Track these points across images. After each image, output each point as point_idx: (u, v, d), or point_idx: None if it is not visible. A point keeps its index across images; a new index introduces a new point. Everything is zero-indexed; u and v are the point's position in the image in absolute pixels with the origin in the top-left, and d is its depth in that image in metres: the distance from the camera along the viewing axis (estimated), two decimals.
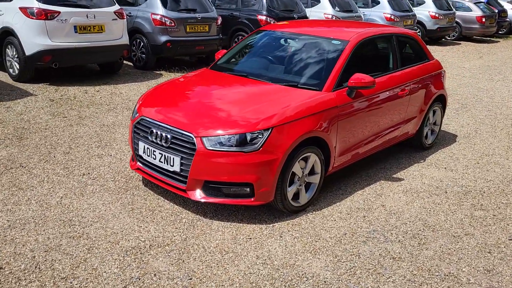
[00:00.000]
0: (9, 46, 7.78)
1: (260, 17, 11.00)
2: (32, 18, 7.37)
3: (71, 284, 2.90)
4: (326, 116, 4.02)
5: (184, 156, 3.68)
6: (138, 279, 2.99)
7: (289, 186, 3.90)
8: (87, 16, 7.77)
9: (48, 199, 3.97)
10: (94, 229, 3.56)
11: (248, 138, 3.63)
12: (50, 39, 7.46)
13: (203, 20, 9.71)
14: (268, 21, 10.88)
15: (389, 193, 4.59)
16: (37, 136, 5.42)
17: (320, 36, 4.72)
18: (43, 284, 2.90)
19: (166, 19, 9.22)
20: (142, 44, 9.44)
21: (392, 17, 14.81)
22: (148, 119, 4.01)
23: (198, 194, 3.71)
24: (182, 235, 3.57)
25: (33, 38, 7.41)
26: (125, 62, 9.95)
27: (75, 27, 7.67)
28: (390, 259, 3.46)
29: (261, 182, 3.65)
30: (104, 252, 3.26)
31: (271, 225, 3.83)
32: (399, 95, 4.94)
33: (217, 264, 3.23)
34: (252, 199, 3.70)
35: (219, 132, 3.63)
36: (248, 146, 3.59)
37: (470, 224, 4.07)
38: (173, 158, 3.74)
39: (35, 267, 3.04)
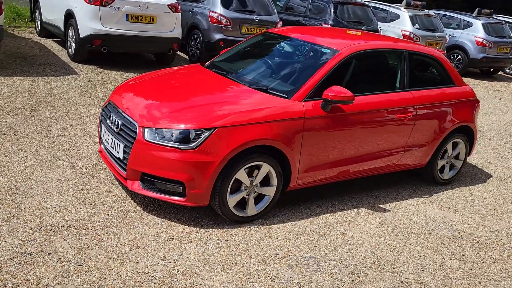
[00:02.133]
0: (70, 28, 8.38)
1: (324, 25, 10.68)
2: (89, 3, 7.87)
3: None
4: (286, 126, 3.73)
5: (127, 144, 3.65)
6: (28, 255, 3.01)
7: (232, 194, 3.68)
8: (139, 6, 8.10)
9: (13, 167, 4.17)
10: (30, 201, 3.66)
11: (192, 135, 3.49)
12: (102, 24, 7.91)
13: (260, 23, 9.66)
14: None
15: (360, 222, 4.15)
16: (50, 109, 5.76)
17: (314, 44, 4.41)
18: None
19: (222, 18, 9.32)
20: (198, 40, 9.65)
21: (484, 41, 13.53)
22: (112, 104, 4.05)
23: (135, 185, 3.65)
24: (107, 222, 3.54)
25: (87, 22, 7.91)
26: (183, 55, 10.27)
27: (127, 15, 8.05)
28: None
29: (194, 183, 3.48)
30: (20, 224, 3.34)
31: (204, 230, 3.65)
32: (398, 118, 4.45)
33: (118, 257, 3.14)
34: (184, 199, 3.55)
35: (163, 125, 3.54)
36: (185, 144, 3.46)
37: (431, 273, 3.53)
38: (119, 145, 3.73)
39: None
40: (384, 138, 4.43)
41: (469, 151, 5.35)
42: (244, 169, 3.66)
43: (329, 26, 10.62)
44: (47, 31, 9.95)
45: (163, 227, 3.59)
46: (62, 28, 8.73)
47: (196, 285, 2.98)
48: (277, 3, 12.48)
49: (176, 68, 4.83)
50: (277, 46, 4.75)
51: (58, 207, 3.64)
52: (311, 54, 4.30)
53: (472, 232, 4.28)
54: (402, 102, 4.47)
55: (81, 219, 3.52)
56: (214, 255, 3.34)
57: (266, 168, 3.76)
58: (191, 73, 4.55)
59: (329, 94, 3.85)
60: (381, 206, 4.55)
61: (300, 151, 3.88)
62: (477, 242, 4.11)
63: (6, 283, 2.72)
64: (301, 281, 3.20)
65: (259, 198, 3.89)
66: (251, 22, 9.58)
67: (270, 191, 3.88)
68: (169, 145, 3.47)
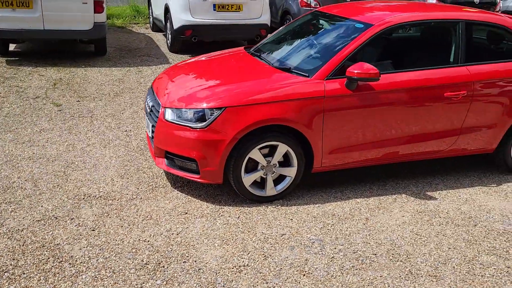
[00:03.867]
0: (168, 21, 9.08)
1: (429, 1, 9.84)
2: None
3: (6, 207, 3.56)
4: (302, 105, 3.64)
5: (153, 124, 3.93)
6: (55, 218, 3.45)
7: (248, 173, 3.73)
8: None
9: (78, 144, 4.76)
10: (78, 174, 4.16)
11: (208, 115, 3.62)
12: (191, 15, 8.43)
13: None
14: None
15: (393, 209, 3.87)
16: (130, 95, 6.37)
17: (351, 19, 4.18)
18: None
19: (312, 1, 9.20)
20: None
21: None
22: (151, 87, 4.37)
23: (161, 162, 3.91)
24: (134, 195, 3.87)
25: (179, 14, 8.49)
26: None
27: (214, 5, 8.45)
28: (297, 271, 3.04)
29: (206, 161, 3.62)
30: (60, 192, 3.83)
31: (220, 207, 3.76)
32: (447, 96, 4.00)
33: (129, 226, 3.43)
34: (198, 176, 3.71)
35: (180, 105, 3.73)
36: (196, 123, 3.60)
37: (454, 267, 3.16)
38: (150, 124, 4.02)
39: (4, 188, 3.82)
40: (429, 118, 4.03)
41: None
42: (259, 148, 3.67)
43: (435, 0, 9.78)
44: (156, 26, 10.89)
45: (182, 202, 3.80)
46: (163, 22, 9.50)
47: (188, 256, 3.13)
48: None
49: (220, 52, 4.97)
50: (317, 25, 4.60)
51: (99, 180, 4.08)
52: (344, 30, 4.09)
53: None
54: (451, 78, 4.01)
55: (113, 191, 3.91)
56: (219, 230, 3.45)
57: (283, 148, 3.72)
58: (228, 56, 4.66)
59: (353, 71, 3.64)
60: (429, 193, 4.17)
61: (322, 131, 3.75)
62: None
63: (26, 239, 3.19)
64: (295, 261, 3.14)
65: (280, 178, 3.88)
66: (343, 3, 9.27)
67: (290, 172, 3.83)
68: (183, 124, 3.65)
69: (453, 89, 4.01)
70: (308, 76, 3.78)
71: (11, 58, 7.77)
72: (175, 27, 8.56)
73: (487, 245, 3.44)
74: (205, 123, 3.58)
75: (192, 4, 8.37)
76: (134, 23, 12.35)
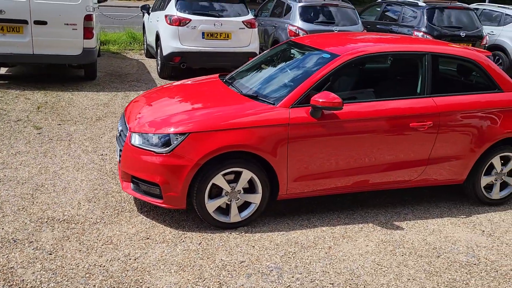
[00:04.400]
0: (159, 48, 9.24)
1: (416, 33, 10.01)
2: (170, 25, 8.61)
3: None
4: (266, 132, 3.67)
5: (121, 148, 3.96)
6: (13, 241, 3.44)
7: (212, 198, 3.74)
8: (214, 24, 8.60)
9: (51, 167, 4.78)
10: (46, 197, 4.17)
11: (173, 140, 3.65)
12: (180, 42, 8.57)
13: None
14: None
15: (358, 238, 3.85)
16: (112, 120, 6.42)
17: (319, 49, 4.25)
18: None
19: (300, 31, 9.37)
20: None
21: None
22: (124, 112, 4.42)
23: (127, 186, 3.92)
24: (98, 219, 3.86)
25: (169, 42, 8.64)
26: None
27: (203, 33, 8.61)
28: None
29: (169, 186, 3.63)
30: (24, 215, 3.83)
31: (183, 232, 3.75)
32: (412, 126, 4.03)
33: (87, 250, 3.42)
34: (161, 201, 3.71)
35: (146, 130, 3.77)
36: (161, 148, 3.63)
37: None
38: (118, 149, 4.05)
39: None
40: (395, 148, 4.05)
41: None
42: (223, 174, 3.69)
43: (421, 33, 9.93)
44: (150, 52, 11.07)
45: (146, 227, 3.79)
46: (155, 48, 9.66)
47: (141, 282, 3.11)
48: (377, 9, 12.09)
49: (196, 79, 5.04)
50: (288, 54, 4.68)
51: (65, 203, 4.08)
52: (312, 60, 4.16)
53: (497, 260, 3.66)
54: (417, 109, 4.06)
55: (77, 215, 3.90)
56: (178, 256, 3.43)
57: (247, 174, 3.73)
58: (202, 84, 4.74)
59: (317, 100, 3.69)
60: (396, 223, 4.15)
61: (287, 158, 3.78)
62: (496, 271, 3.51)
63: None
64: None
65: (246, 205, 3.88)
66: None
67: (255, 199, 3.84)
68: (147, 148, 3.68)
69: (419, 119, 4.05)
70: (273, 104, 3.82)
71: (0, 82, 7.87)
72: (164, 53, 8.70)
73: (447, 277, 3.40)
74: (168, 148, 3.61)
75: (181, 32, 8.53)
76: (129, 49, 12.54)
